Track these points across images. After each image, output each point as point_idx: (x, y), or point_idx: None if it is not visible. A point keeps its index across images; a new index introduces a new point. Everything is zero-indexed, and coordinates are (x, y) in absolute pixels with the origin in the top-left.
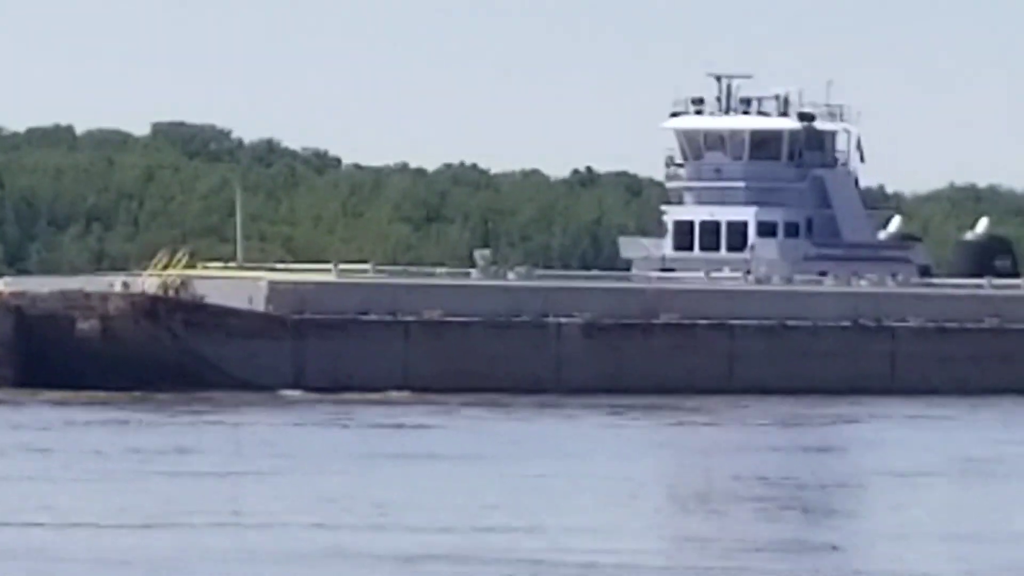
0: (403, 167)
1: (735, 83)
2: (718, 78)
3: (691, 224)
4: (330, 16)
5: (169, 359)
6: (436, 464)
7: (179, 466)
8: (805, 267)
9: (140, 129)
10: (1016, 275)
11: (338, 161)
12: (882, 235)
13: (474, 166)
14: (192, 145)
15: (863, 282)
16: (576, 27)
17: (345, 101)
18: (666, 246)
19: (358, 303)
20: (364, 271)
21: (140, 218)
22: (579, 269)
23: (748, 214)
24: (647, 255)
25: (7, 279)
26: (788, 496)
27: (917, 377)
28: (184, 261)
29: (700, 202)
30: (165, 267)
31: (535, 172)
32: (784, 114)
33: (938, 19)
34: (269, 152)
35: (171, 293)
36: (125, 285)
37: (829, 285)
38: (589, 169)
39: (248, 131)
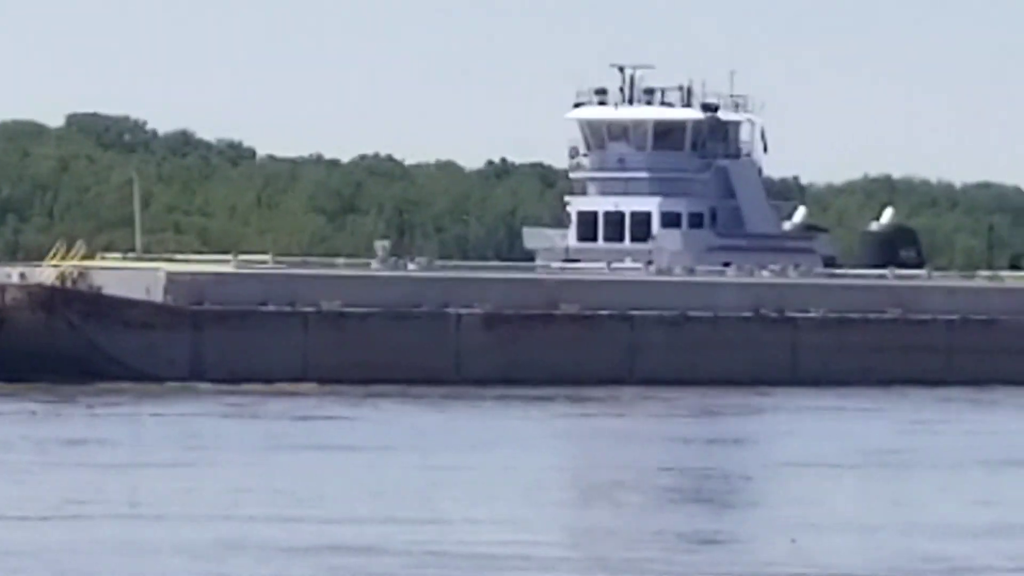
0: (318, 158)
1: (638, 73)
2: (621, 68)
3: (595, 215)
4: (244, 8)
5: (66, 350)
6: (341, 455)
7: (79, 457)
8: (709, 258)
9: (54, 120)
10: (921, 266)
11: (253, 152)
12: (787, 226)
13: (389, 157)
14: (107, 136)
15: (765, 273)
16: (488, 17)
17: (259, 92)
18: (570, 237)
19: (257, 294)
20: (264, 262)
21: (55, 209)
22: (494, 260)
23: (652, 205)
24: (551, 246)
25: None
26: (692, 487)
27: (819, 368)
28: (82, 252)
29: (604, 193)
30: (63, 258)
31: (450, 163)
32: (688, 105)
33: (848, 9)
34: (184, 143)
35: (68, 284)
36: (22, 276)
37: (731, 276)
38: (504, 160)
39: (163, 122)
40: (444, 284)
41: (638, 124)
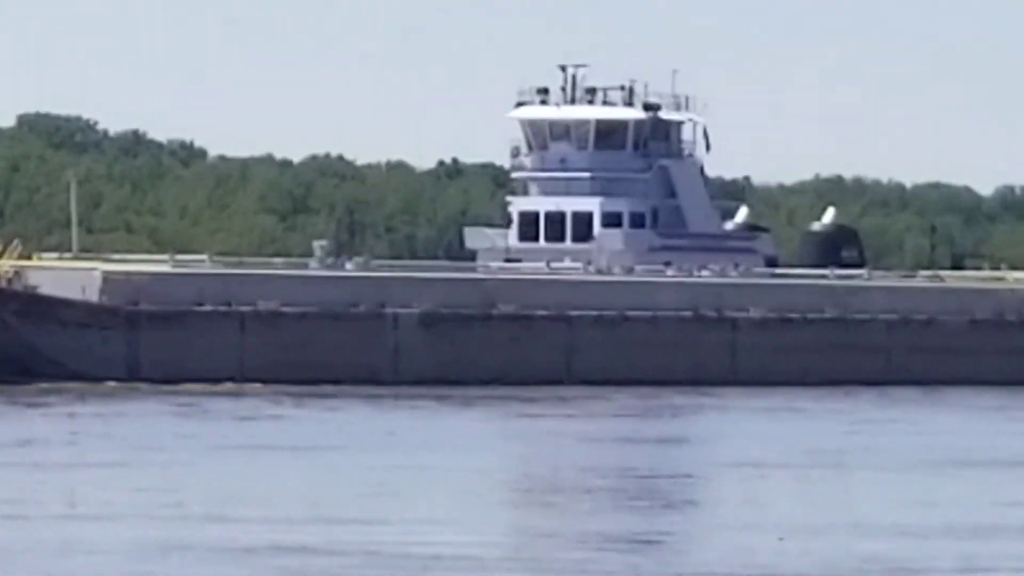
0: (268, 158)
1: (580, 73)
2: (563, 68)
3: (536, 215)
4: (194, 8)
5: (1, 350)
6: (281, 456)
7: (17, 457)
8: (650, 258)
9: (5, 120)
10: (863, 265)
11: (204, 153)
12: (729, 225)
13: (339, 157)
14: (58, 136)
15: (704, 273)
16: (438, 18)
17: (210, 93)
18: (511, 237)
19: (194, 294)
20: (201, 261)
21: (6, 209)
22: (445, 260)
23: (593, 205)
24: (492, 246)
25: None
26: (634, 487)
27: (758, 368)
28: (18, 251)
29: (545, 193)
30: None
31: (400, 164)
32: (630, 104)
33: (796, 9)
34: (135, 143)
35: (3, 283)
36: None
37: (670, 276)
38: (455, 161)
39: (114, 123)
40: (381, 284)
41: (580, 124)
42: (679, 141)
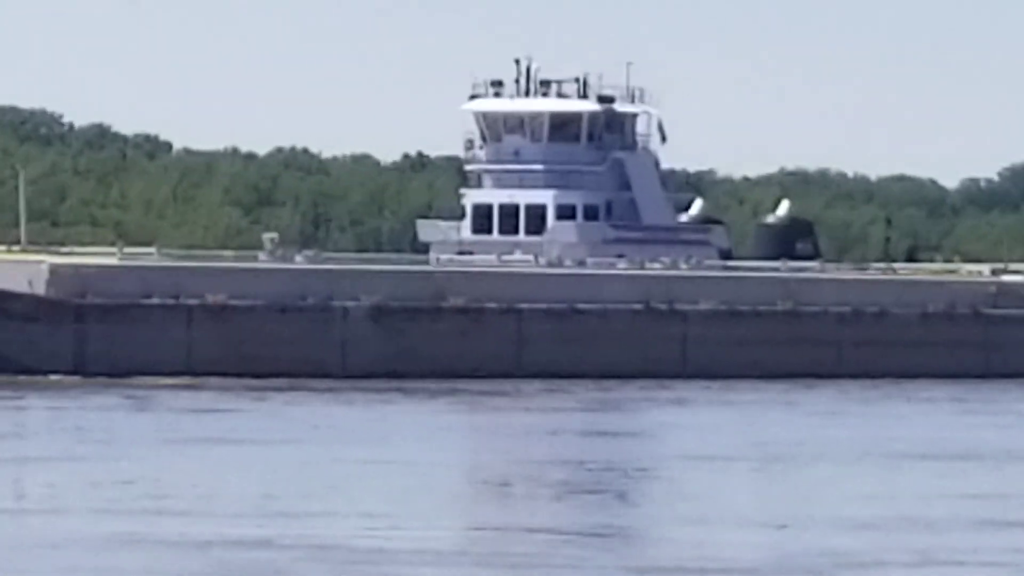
0: (234, 151)
1: (534, 65)
2: (517, 60)
3: (489, 207)
4: (159, 2)
5: None
6: (232, 449)
7: None
8: (604, 250)
9: None
10: (817, 258)
11: (169, 146)
12: (683, 218)
13: (304, 150)
14: (23, 129)
15: (656, 265)
16: (403, 11)
17: (176, 86)
18: (464, 229)
19: (141, 287)
20: (149, 254)
21: None
22: (411, 253)
23: (547, 197)
24: (445, 238)
25: None
26: (588, 481)
27: (708, 360)
28: None
29: (499, 185)
30: None
31: (366, 156)
32: (584, 96)
33: (759, 6)
34: (100, 136)
35: None
36: None
37: (620, 268)
38: (420, 154)
39: (79, 115)
40: (331, 277)
41: (534, 116)
42: (633, 134)
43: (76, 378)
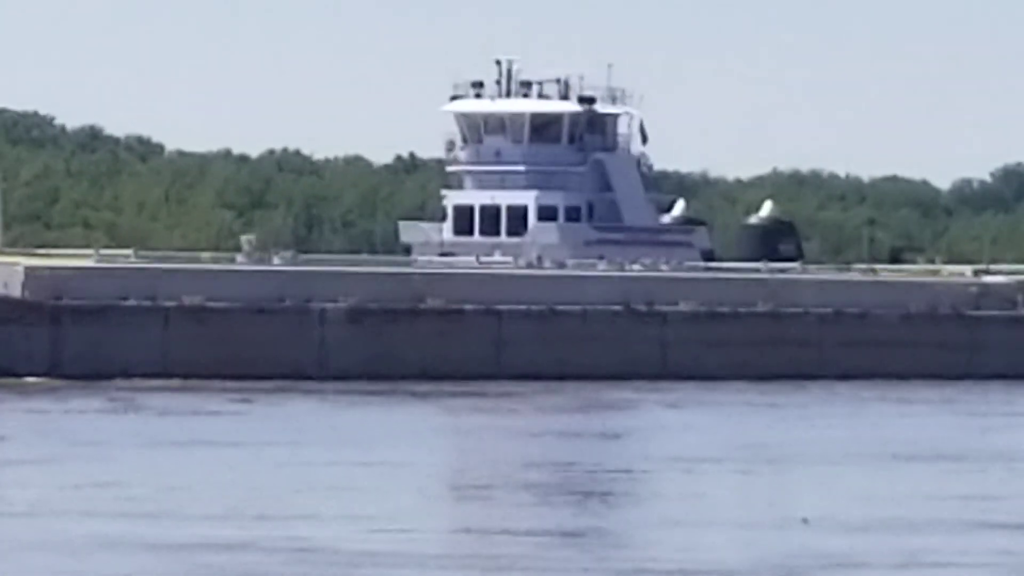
0: (226, 153)
1: (515, 66)
2: (498, 61)
3: (471, 209)
4: (151, 3)
5: None
6: (213, 451)
7: None
8: (586, 251)
9: None
10: (800, 259)
11: (161, 147)
12: (666, 219)
13: (297, 152)
14: (15, 131)
15: (636, 267)
16: (394, 12)
17: (168, 88)
18: (446, 231)
19: (117, 289)
20: (126, 256)
21: None
22: (402, 255)
23: (528, 198)
24: (427, 240)
25: None
26: (572, 483)
27: (689, 362)
28: None
29: (480, 186)
30: None
31: (358, 158)
32: (565, 97)
33: (752, 6)
34: (92, 139)
35: None
36: None
37: (600, 270)
38: (412, 155)
39: (71, 117)
40: (308, 278)
41: (515, 117)
42: (615, 134)
43: (52, 380)
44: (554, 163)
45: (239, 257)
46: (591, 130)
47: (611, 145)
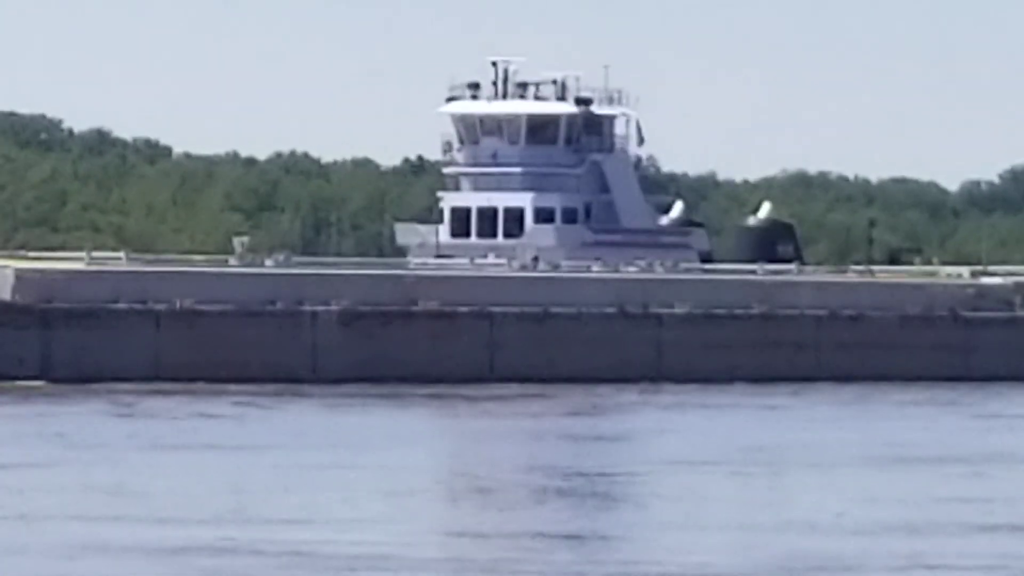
0: (234, 156)
1: (512, 67)
2: (494, 63)
3: (468, 210)
4: (159, 6)
5: None
6: (206, 454)
7: None
8: (583, 253)
9: None
10: (800, 260)
11: (169, 150)
12: (664, 221)
13: (305, 155)
14: (23, 135)
15: (631, 268)
16: (404, 14)
17: (176, 91)
18: (442, 233)
19: (108, 292)
20: (117, 259)
21: None
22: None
23: (525, 200)
24: (423, 242)
25: None
26: (569, 485)
27: (684, 364)
28: None
29: (477, 188)
30: None
31: (366, 161)
32: (562, 99)
33: (764, 8)
34: (100, 142)
35: None
36: None
37: (594, 272)
38: (420, 157)
39: (79, 121)
40: (300, 281)
41: (511, 118)
42: (612, 136)
43: (42, 384)
44: (551, 165)
45: (231, 260)
46: (588, 131)
47: (608, 146)
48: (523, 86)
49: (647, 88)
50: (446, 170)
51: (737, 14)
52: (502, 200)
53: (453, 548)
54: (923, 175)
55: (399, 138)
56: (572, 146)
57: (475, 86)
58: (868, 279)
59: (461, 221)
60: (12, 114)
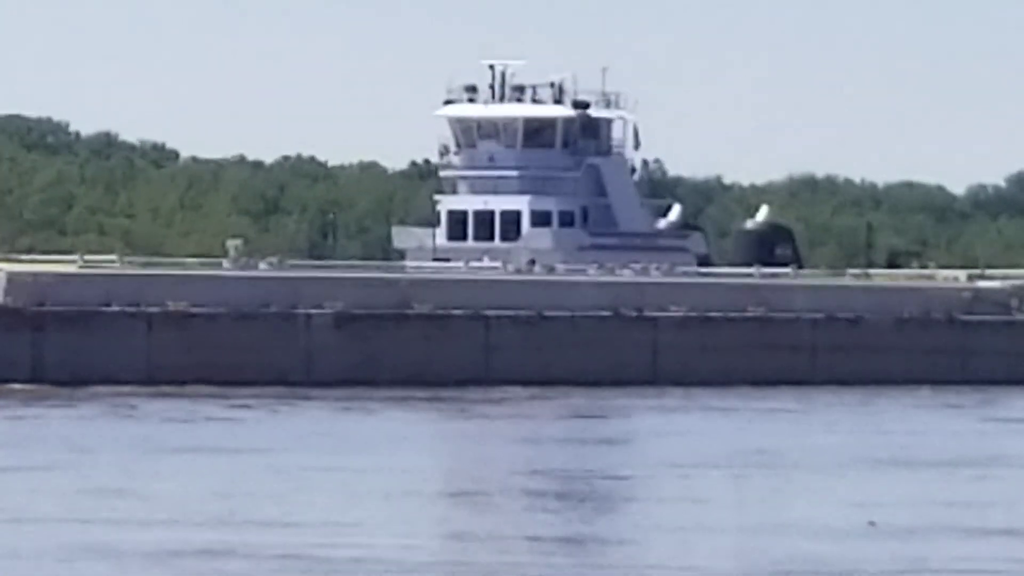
0: (241, 159)
1: (509, 70)
2: (491, 66)
3: (464, 214)
4: (167, 8)
5: None
6: (202, 458)
7: None
8: (580, 257)
9: None
10: (799, 264)
11: (176, 154)
12: (661, 224)
13: (312, 158)
14: (29, 138)
15: (626, 272)
16: (411, 18)
17: (183, 94)
18: (439, 236)
19: (101, 295)
20: (110, 262)
21: None
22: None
23: (522, 203)
24: (420, 245)
25: None
26: (568, 489)
27: (679, 368)
28: None
29: (474, 191)
30: None
31: (373, 164)
32: (559, 102)
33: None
34: (107, 145)
35: None
36: None
37: (590, 275)
38: (427, 161)
39: (86, 124)
40: (294, 284)
41: (508, 122)
42: (609, 139)
43: (34, 386)
44: (548, 168)
45: (224, 263)
46: (585, 135)
47: (605, 150)
48: (520, 89)
49: (649, 91)
50: (443, 173)
51: (743, 17)
52: (499, 203)
53: (450, 551)
54: (929, 179)
55: (406, 141)
56: (569, 149)
57: (472, 89)
58: (864, 282)
59: (458, 224)
60: (18, 117)
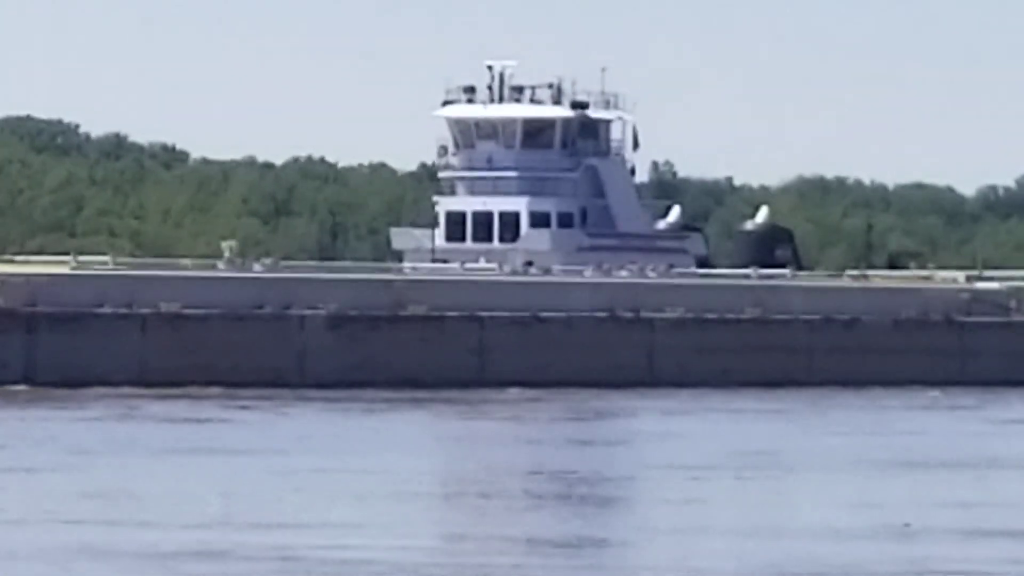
0: (251, 161)
1: (507, 71)
2: (490, 66)
3: (463, 215)
4: (177, 10)
5: None
6: (203, 459)
7: None
8: (579, 258)
9: None
10: (798, 265)
11: (186, 155)
12: (661, 225)
13: (321, 160)
14: (40, 139)
15: (623, 273)
16: (420, 20)
17: (192, 96)
18: (438, 237)
19: (94, 296)
20: (103, 263)
21: None
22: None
23: (520, 204)
24: (418, 246)
25: None
26: (567, 491)
27: (676, 369)
28: None
29: (472, 192)
30: None
31: (382, 166)
32: (558, 102)
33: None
34: (117, 146)
35: None
36: None
37: (585, 276)
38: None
39: (96, 125)
40: (288, 285)
41: (507, 123)
42: (608, 140)
43: (26, 388)
44: (546, 169)
45: (219, 264)
46: (584, 136)
47: (604, 151)
48: (519, 90)
49: (656, 93)
50: (441, 174)
51: (754, 17)
52: (497, 204)
53: (447, 553)
54: (939, 180)
55: (416, 143)
56: (568, 150)
57: (471, 90)
58: (862, 284)
59: (456, 225)
60: (29, 119)
